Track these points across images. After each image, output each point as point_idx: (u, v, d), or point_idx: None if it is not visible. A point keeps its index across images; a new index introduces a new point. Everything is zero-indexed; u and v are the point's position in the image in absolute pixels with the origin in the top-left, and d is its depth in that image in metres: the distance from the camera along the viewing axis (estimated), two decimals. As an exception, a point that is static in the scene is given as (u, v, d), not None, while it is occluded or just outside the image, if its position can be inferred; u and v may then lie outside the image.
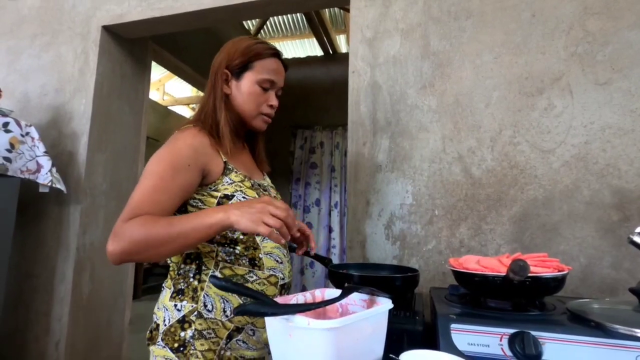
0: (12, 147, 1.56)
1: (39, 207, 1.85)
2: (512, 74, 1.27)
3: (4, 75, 2.01)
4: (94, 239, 1.89)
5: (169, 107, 6.14)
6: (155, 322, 0.83)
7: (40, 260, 1.83)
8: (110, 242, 0.69)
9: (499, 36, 1.30)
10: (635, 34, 1.16)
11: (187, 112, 6.90)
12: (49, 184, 1.62)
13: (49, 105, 1.94)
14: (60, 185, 1.66)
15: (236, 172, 0.86)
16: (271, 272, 0.85)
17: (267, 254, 0.85)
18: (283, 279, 0.88)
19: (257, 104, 0.89)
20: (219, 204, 0.81)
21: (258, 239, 0.85)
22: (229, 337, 0.80)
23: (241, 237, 0.83)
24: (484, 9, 1.33)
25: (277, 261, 0.87)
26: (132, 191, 0.78)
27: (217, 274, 0.82)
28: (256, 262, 0.84)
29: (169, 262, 0.87)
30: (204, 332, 0.79)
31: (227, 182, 0.83)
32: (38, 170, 1.63)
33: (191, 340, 0.78)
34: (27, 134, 1.64)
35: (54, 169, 1.65)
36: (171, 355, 0.77)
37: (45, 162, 1.64)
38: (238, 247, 0.83)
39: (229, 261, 0.82)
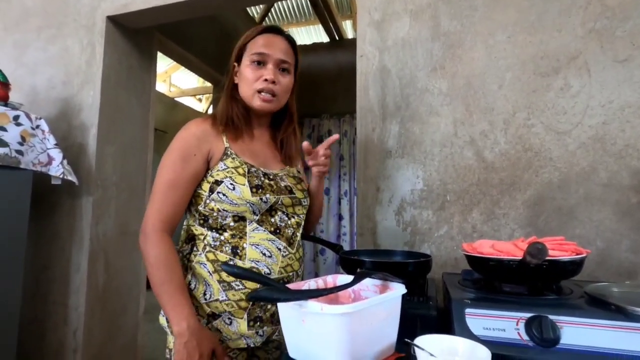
0: (23, 140, 1.57)
1: (52, 199, 1.88)
2: (526, 53, 1.23)
3: (12, 69, 2.01)
4: (106, 229, 1.92)
5: (175, 99, 6.14)
6: None
7: (55, 252, 1.86)
8: (140, 236, 0.84)
9: (512, 14, 1.25)
10: (657, 7, 1.11)
11: (194, 103, 6.90)
12: (61, 176, 1.64)
13: (57, 98, 1.94)
14: (72, 177, 1.68)
15: (233, 158, 0.86)
16: (252, 264, 0.83)
17: (253, 245, 0.83)
18: (269, 273, 0.83)
19: (250, 81, 0.87)
20: (210, 190, 0.84)
21: (248, 227, 0.84)
22: (208, 321, 0.83)
23: (231, 224, 0.84)
24: (497, -14, 1.28)
25: (264, 254, 0.84)
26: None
27: (203, 256, 0.84)
28: (238, 251, 0.83)
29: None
30: None
31: (221, 167, 0.85)
32: (50, 163, 1.65)
33: None
34: (38, 126, 1.65)
35: (65, 161, 1.67)
36: (165, 323, 0.85)
37: (57, 155, 1.66)
38: (225, 234, 0.84)
39: (213, 246, 0.84)
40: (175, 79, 6.27)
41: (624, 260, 1.08)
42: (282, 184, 0.90)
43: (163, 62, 5.26)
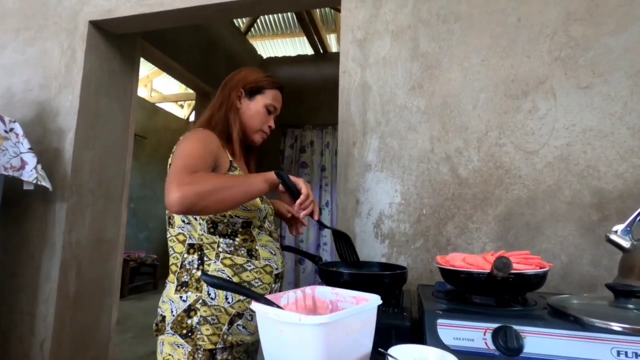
0: (-5, 143, 1.52)
1: (24, 205, 1.82)
2: (498, 76, 1.30)
3: (-13, 70, 1.96)
4: (80, 237, 1.86)
5: (156, 104, 6.06)
6: (161, 314, 0.91)
7: (25, 259, 1.79)
8: (175, 190, 0.74)
9: (486, 40, 1.33)
10: (616, 40, 1.21)
11: (174, 109, 6.81)
12: (34, 181, 1.59)
13: (33, 101, 1.90)
14: (46, 183, 1.63)
15: (239, 171, 0.98)
16: (266, 262, 0.96)
17: (262, 246, 0.97)
18: (277, 269, 0.99)
19: (261, 122, 1.05)
20: None
21: (254, 232, 0.96)
22: (231, 323, 0.89)
23: (240, 229, 0.94)
24: (472, 13, 1.36)
25: (271, 253, 0.98)
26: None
27: (219, 263, 0.91)
28: (253, 252, 0.94)
29: (171, 253, 0.95)
30: (209, 318, 0.87)
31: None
32: (22, 167, 1.60)
33: (197, 326, 0.87)
34: (11, 129, 1.60)
35: (39, 166, 1.62)
36: (180, 340, 0.86)
37: (30, 159, 1.61)
38: (237, 239, 0.93)
39: (228, 252, 0.92)
40: (156, 84, 6.19)
41: (586, 274, 1.15)
42: (266, 199, 1.05)
43: (145, 67, 5.19)
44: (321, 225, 1.02)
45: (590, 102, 1.20)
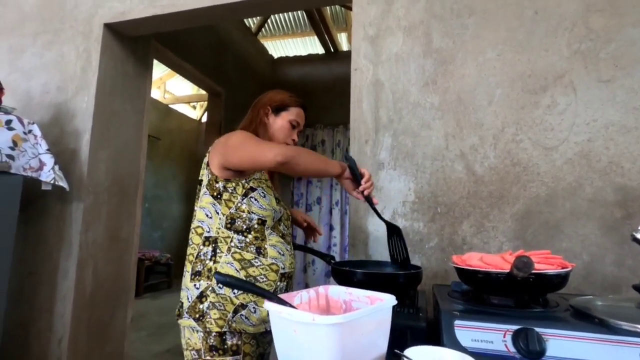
0: (15, 144, 1.56)
1: (42, 204, 1.86)
2: (515, 71, 1.27)
3: (6, 74, 2.01)
4: (96, 236, 1.90)
5: (169, 106, 6.14)
6: (181, 301, 1.01)
7: (43, 258, 1.83)
8: (274, 148, 0.93)
9: (502, 33, 1.30)
10: (639, 31, 1.16)
11: (187, 110, 6.89)
12: (52, 182, 1.63)
13: (50, 103, 1.94)
14: (63, 183, 1.66)
15: (263, 174, 1.07)
16: (273, 261, 1.01)
17: (271, 246, 1.02)
18: (284, 268, 1.03)
19: (285, 136, 1.14)
20: (244, 194, 1.01)
21: (267, 232, 1.03)
22: (235, 312, 0.95)
23: (255, 226, 1.01)
24: (487, 6, 1.33)
25: (280, 253, 1.03)
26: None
27: (229, 257, 0.98)
28: (261, 250, 1.01)
29: (189, 244, 1.04)
30: (216, 304, 0.95)
31: (256, 176, 1.05)
32: (41, 168, 1.63)
33: (207, 310, 0.95)
34: (30, 131, 1.64)
35: (56, 167, 1.66)
36: (194, 324, 0.96)
37: (48, 160, 1.64)
38: (250, 236, 1.00)
39: (239, 247, 0.99)
40: (170, 86, 6.27)
41: (609, 274, 1.11)
42: (282, 203, 1.12)
43: (158, 69, 5.27)
44: (376, 214, 1.04)
45: (612, 96, 1.16)
